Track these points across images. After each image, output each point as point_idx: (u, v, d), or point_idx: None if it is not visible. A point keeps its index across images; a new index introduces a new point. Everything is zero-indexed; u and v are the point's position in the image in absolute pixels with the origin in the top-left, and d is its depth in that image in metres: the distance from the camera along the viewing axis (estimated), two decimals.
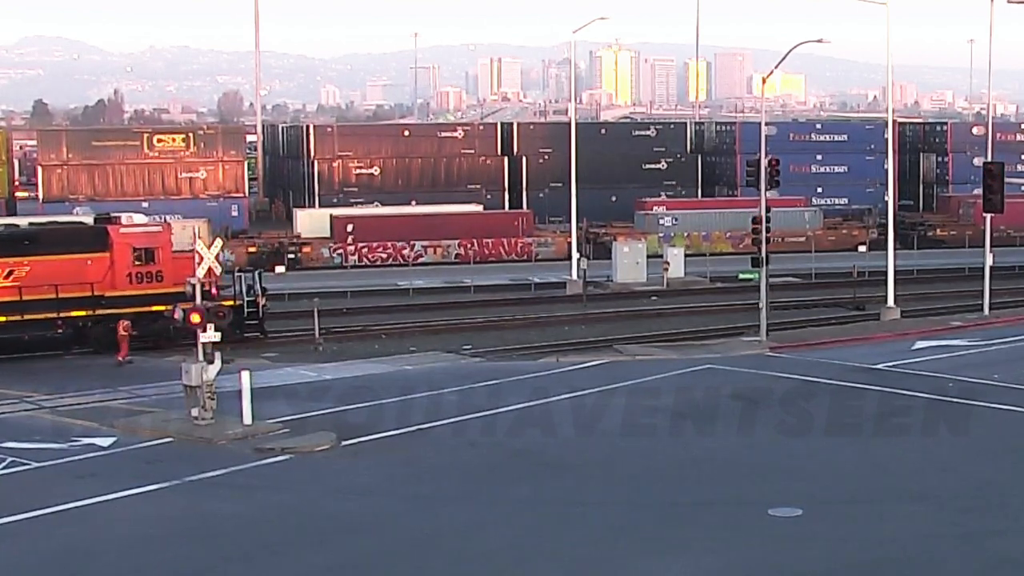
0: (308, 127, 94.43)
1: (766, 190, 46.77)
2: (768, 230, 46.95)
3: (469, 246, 71.60)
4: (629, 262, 63.67)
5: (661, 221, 76.05)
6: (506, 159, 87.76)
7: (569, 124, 71.90)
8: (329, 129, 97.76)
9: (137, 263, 45.66)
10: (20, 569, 22.97)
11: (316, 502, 26.58)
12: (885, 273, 51.63)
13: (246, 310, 46.88)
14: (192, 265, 35.32)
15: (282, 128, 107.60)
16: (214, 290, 43.88)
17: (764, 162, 46.61)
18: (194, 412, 32.54)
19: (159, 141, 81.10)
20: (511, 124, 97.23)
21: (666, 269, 63.17)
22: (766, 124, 54.35)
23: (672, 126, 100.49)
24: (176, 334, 42.36)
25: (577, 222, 65.77)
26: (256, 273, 48.96)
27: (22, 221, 52.46)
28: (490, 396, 36.49)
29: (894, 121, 66.27)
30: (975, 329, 46.70)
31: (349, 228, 71.25)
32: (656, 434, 32.63)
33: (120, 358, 42.97)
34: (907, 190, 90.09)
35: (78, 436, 32.04)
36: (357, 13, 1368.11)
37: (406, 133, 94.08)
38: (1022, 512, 25.36)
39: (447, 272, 67.02)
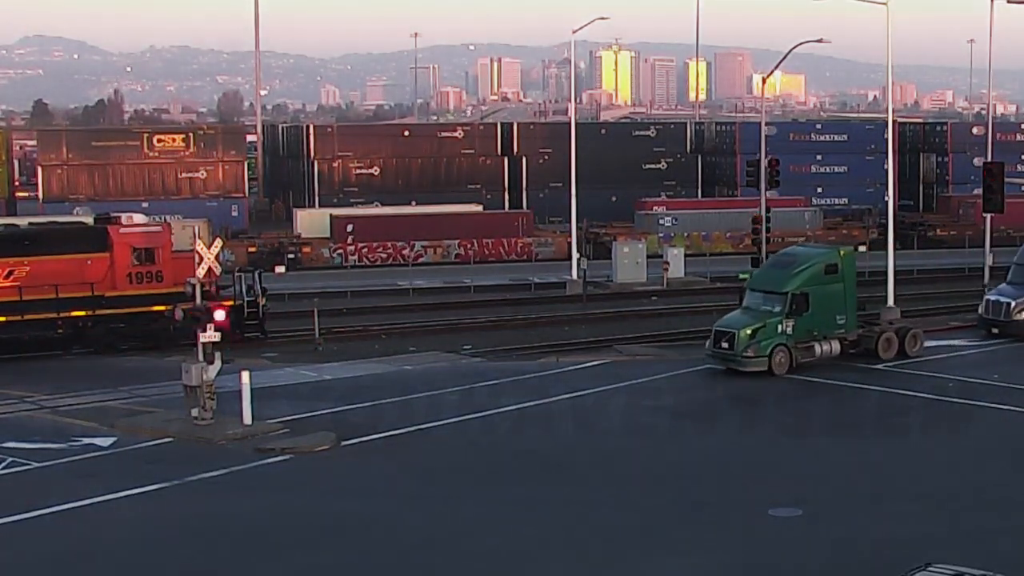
0: (308, 127, 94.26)
1: (766, 190, 46.81)
2: (768, 230, 46.98)
3: (469, 246, 71.51)
4: (629, 262, 63.61)
5: (661, 221, 75.93)
6: (506, 159, 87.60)
7: (569, 124, 71.81)
8: (329, 129, 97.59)
9: (137, 263, 45.64)
10: (20, 569, 22.99)
11: (316, 502, 26.59)
12: (885, 273, 51.58)
13: (246, 310, 46.87)
14: (192, 265, 35.34)
15: (282, 128, 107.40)
16: (213, 290, 43.89)
17: (764, 162, 46.68)
18: (194, 412, 32.56)
19: (159, 141, 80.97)
20: (511, 124, 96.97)
21: (666, 269, 63.14)
22: (766, 124, 54.37)
23: (672, 126, 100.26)
24: (176, 334, 42.43)
25: (577, 222, 65.72)
26: (256, 273, 48.93)
27: (22, 221, 52.46)
28: (490, 396, 36.48)
29: (894, 121, 66.14)
30: (975, 329, 46.71)
31: (349, 228, 71.17)
32: (656, 434, 32.66)
33: None
34: (907, 190, 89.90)
35: (78, 436, 32.06)
36: (357, 13, 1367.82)
37: (406, 133, 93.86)
38: (1021, 512, 25.38)
39: (447, 272, 66.98)
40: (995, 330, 44.79)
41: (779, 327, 38.49)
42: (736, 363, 38.27)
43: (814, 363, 39.07)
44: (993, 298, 45.46)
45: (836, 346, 39.81)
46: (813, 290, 39.16)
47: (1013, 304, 44.51)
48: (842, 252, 41.07)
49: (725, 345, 38.49)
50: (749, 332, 38.30)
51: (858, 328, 40.73)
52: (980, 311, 45.99)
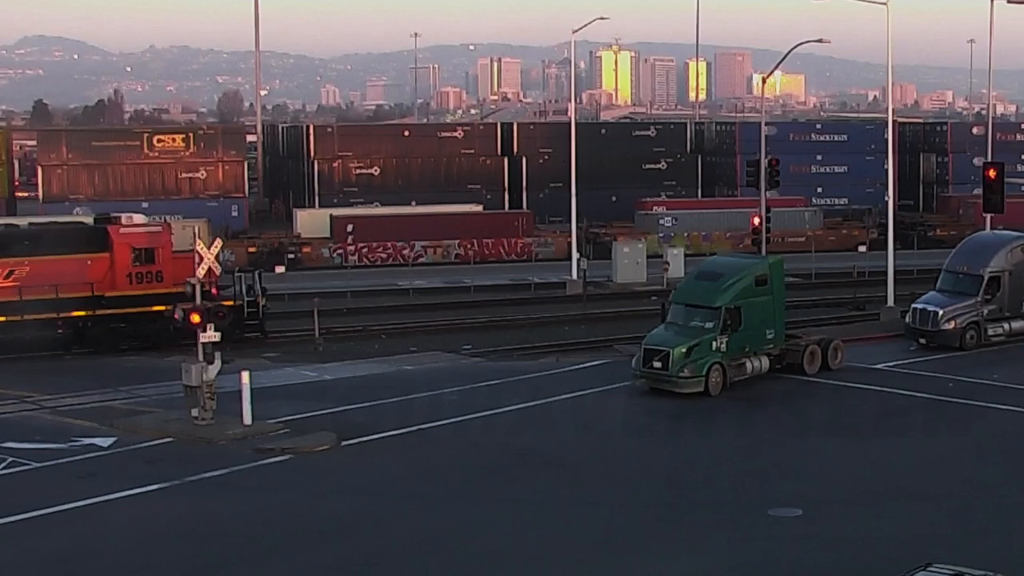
0: (308, 127, 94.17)
1: (766, 190, 46.80)
2: (768, 230, 46.95)
3: (469, 246, 71.53)
4: (629, 262, 63.62)
5: (661, 221, 75.91)
6: (506, 159, 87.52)
7: (569, 124, 71.83)
8: (329, 129, 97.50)
9: (137, 263, 45.66)
10: (20, 569, 23.00)
11: (316, 502, 26.62)
12: (885, 273, 51.62)
13: (246, 310, 46.88)
14: (192, 265, 35.35)
15: (282, 128, 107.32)
16: (214, 290, 43.85)
17: (764, 162, 46.69)
18: (194, 412, 32.58)
19: (159, 141, 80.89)
20: (511, 124, 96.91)
21: (666, 269, 63.09)
22: (766, 124, 54.36)
23: (672, 126, 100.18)
24: (176, 334, 42.42)
25: (577, 222, 65.75)
26: (256, 273, 48.94)
27: (22, 221, 52.45)
28: (490, 396, 36.48)
29: (894, 121, 66.12)
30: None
31: (349, 228, 71.15)
32: (656, 434, 32.67)
33: None
34: (907, 190, 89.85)
35: (78, 436, 32.08)
36: (357, 13, 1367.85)
37: (406, 133, 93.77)
38: (1021, 512, 25.39)
39: (447, 272, 66.99)
40: (922, 340, 42.87)
41: (714, 344, 36.18)
42: (671, 384, 35.78)
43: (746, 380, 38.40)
44: (920, 306, 43.33)
45: (766, 362, 37.84)
46: (745, 304, 36.95)
47: (941, 313, 42.53)
48: (771, 262, 39.26)
49: (658, 364, 35.91)
50: (684, 350, 35.86)
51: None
52: (907, 320, 43.94)
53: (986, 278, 43.21)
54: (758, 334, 37.62)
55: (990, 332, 43.24)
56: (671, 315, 37.70)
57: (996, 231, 49.91)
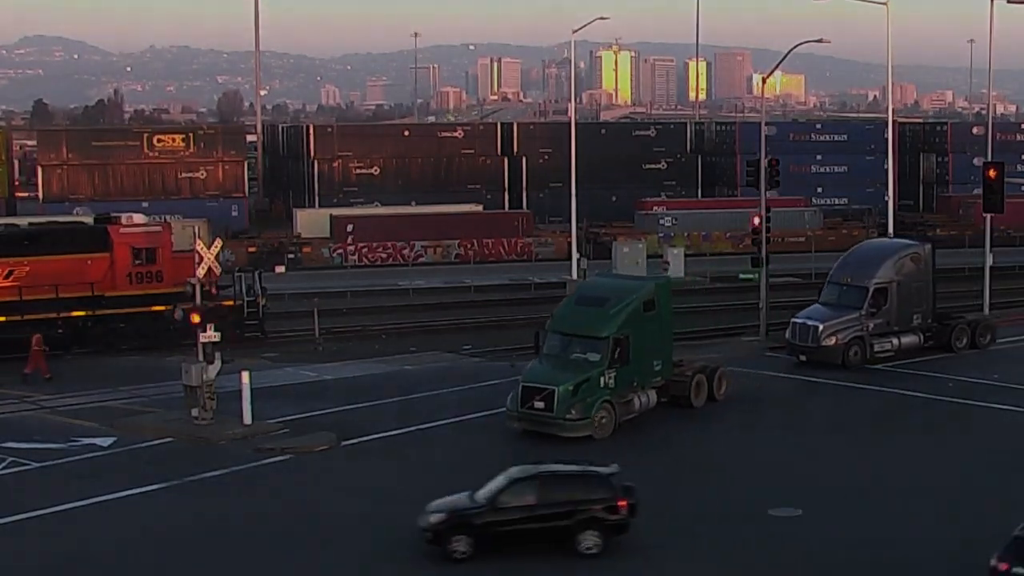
0: (308, 127, 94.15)
1: (766, 190, 46.80)
2: (768, 230, 46.94)
3: (469, 246, 71.58)
4: (629, 262, 63.60)
5: (661, 221, 75.97)
6: (506, 159, 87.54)
7: (569, 124, 71.85)
8: (329, 129, 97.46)
9: (137, 263, 45.68)
10: (20, 569, 23.03)
11: (316, 502, 26.64)
12: None
13: (246, 310, 46.91)
14: (192, 265, 35.37)
15: (282, 128, 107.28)
16: (213, 290, 43.88)
17: (764, 162, 46.65)
18: (194, 412, 32.61)
19: (159, 141, 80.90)
20: (511, 124, 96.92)
21: (666, 269, 63.06)
22: (766, 124, 54.33)
23: (672, 126, 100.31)
24: (176, 334, 42.44)
25: (577, 222, 65.77)
26: (256, 273, 48.96)
27: (22, 221, 52.46)
28: (490, 396, 36.47)
29: (894, 121, 66.13)
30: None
31: (349, 228, 71.20)
32: (654, 434, 32.63)
33: (27, 371, 40.32)
34: (907, 190, 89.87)
35: (78, 436, 32.11)
36: (357, 13, 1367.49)
37: (406, 133, 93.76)
38: (1021, 511, 25.38)
39: (447, 272, 67.02)
40: (803, 357, 39.94)
41: (602, 380, 31.79)
42: (556, 427, 31.29)
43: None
44: (800, 321, 40.22)
45: (653, 396, 33.66)
46: (634, 332, 32.51)
47: (821, 328, 39.42)
48: (657, 283, 35.24)
49: (540, 405, 31.28)
50: (571, 388, 31.30)
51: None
52: (787, 336, 40.94)
53: (871, 290, 40.31)
54: (647, 366, 33.36)
55: (876, 348, 40.32)
56: (547, 346, 33.04)
57: (884, 239, 48.48)
